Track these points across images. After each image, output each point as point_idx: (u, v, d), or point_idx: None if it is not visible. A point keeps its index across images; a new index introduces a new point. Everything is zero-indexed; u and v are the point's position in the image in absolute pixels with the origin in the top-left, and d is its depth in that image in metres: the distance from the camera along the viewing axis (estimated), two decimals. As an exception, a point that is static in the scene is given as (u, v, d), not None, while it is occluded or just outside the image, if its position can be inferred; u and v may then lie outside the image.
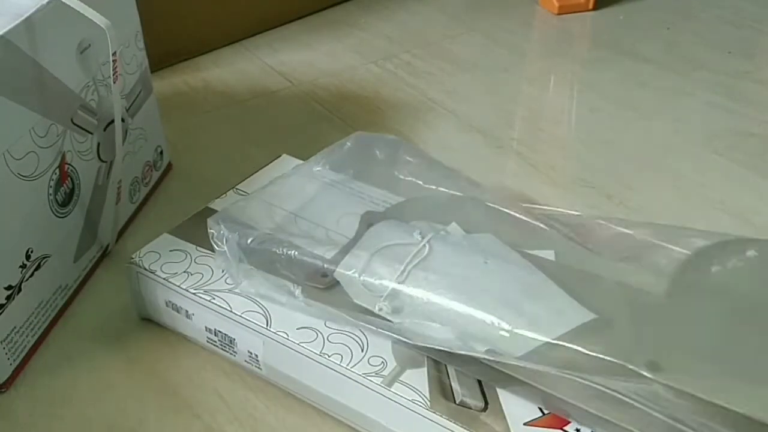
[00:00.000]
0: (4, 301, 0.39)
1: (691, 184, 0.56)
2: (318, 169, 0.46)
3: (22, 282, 0.40)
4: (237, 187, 0.47)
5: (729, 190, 0.55)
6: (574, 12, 0.84)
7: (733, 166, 0.58)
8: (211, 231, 0.40)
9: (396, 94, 0.68)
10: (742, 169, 0.58)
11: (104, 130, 0.46)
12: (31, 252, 0.40)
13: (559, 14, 0.83)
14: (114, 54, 0.41)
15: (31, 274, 0.41)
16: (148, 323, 0.44)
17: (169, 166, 0.57)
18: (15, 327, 0.40)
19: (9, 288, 0.39)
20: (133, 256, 0.42)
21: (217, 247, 0.40)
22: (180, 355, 0.42)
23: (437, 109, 0.66)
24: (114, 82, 0.43)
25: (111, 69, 0.42)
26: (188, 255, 0.42)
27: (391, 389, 0.34)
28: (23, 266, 0.40)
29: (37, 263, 0.41)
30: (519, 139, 0.62)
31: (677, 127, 0.63)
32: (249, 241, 0.39)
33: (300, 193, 0.45)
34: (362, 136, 0.48)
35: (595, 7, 0.84)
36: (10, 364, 0.40)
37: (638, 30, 0.80)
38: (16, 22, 0.36)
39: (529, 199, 0.53)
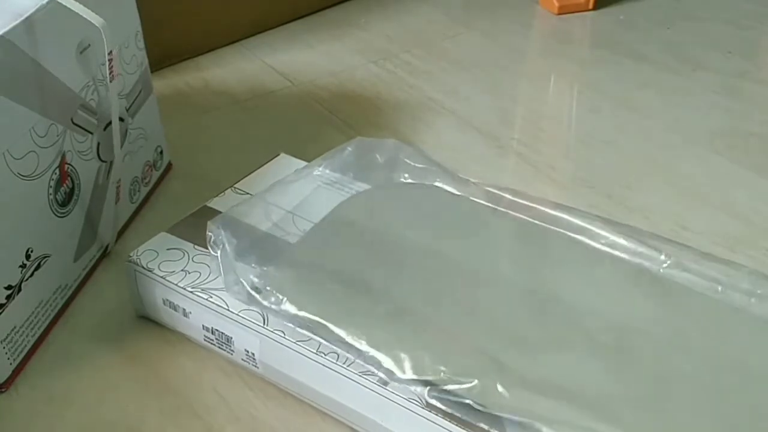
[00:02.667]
0: (4, 301, 0.39)
1: (691, 184, 0.56)
2: (318, 172, 0.47)
3: (22, 282, 0.40)
4: (235, 186, 0.47)
5: (729, 190, 0.55)
6: (574, 12, 0.84)
7: (733, 166, 0.58)
8: (210, 234, 0.40)
9: (396, 94, 0.68)
10: (742, 169, 0.58)
11: (104, 129, 0.46)
12: (31, 252, 0.40)
13: (559, 14, 0.83)
14: (110, 53, 0.41)
15: (31, 274, 0.41)
16: (148, 322, 0.44)
17: (169, 165, 0.57)
18: (15, 327, 0.40)
19: (9, 288, 0.39)
20: (131, 255, 0.42)
21: (212, 252, 0.40)
22: (180, 355, 0.42)
23: (437, 108, 0.66)
24: (110, 81, 0.43)
25: (107, 68, 0.42)
26: (186, 253, 0.42)
27: (387, 388, 0.34)
28: (23, 266, 0.40)
29: (37, 263, 0.41)
30: (519, 139, 0.62)
31: (677, 127, 0.63)
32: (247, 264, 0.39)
33: (299, 195, 0.45)
34: (363, 141, 0.48)
35: (595, 7, 0.84)
36: (10, 364, 0.40)
37: (638, 30, 0.80)
38: (16, 21, 0.36)
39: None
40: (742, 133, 0.62)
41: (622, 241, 0.42)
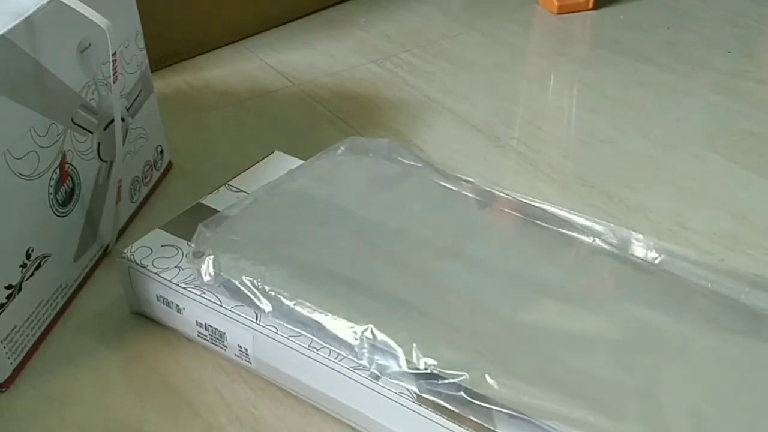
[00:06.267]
0: (5, 301, 0.39)
1: (690, 184, 0.56)
2: (312, 171, 0.47)
3: (22, 281, 0.40)
4: (229, 183, 0.48)
5: (729, 189, 0.56)
6: (574, 12, 0.84)
7: (733, 166, 0.58)
8: (193, 243, 0.41)
9: (396, 94, 0.68)
10: (742, 168, 0.58)
11: (105, 129, 0.46)
12: (32, 251, 0.40)
13: (559, 14, 0.83)
14: (114, 54, 0.42)
15: (32, 274, 0.41)
16: (148, 322, 0.44)
17: (170, 165, 0.57)
18: (15, 326, 0.40)
19: (9, 287, 0.39)
20: (125, 251, 0.42)
21: (193, 256, 0.40)
22: (180, 354, 0.42)
23: (437, 108, 0.66)
24: (114, 82, 0.43)
25: (111, 69, 0.42)
26: (179, 250, 0.42)
27: (379, 383, 0.34)
28: (23, 266, 0.40)
29: (37, 263, 0.41)
30: (519, 139, 0.62)
31: (677, 126, 0.63)
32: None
33: None
34: (356, 140, 0.49)
35: (595, 7, 0.84)
36: (11, 364, 0.40)
37: (638, 30, 0.80)
38: (17, 21, 0.37)
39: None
40: (742, 133, 0.62)
41: (611, 238, 0.42)
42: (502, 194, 0.45)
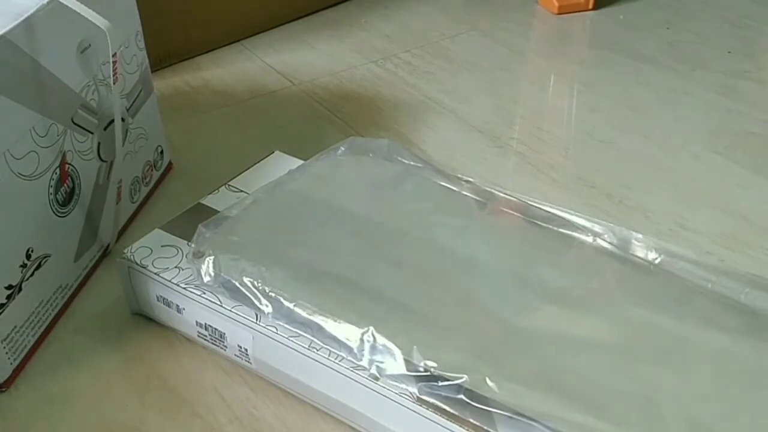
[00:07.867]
0: (5, 301, 0.39)
1: (690, 184, 0.56)
2: (312, 171, 0.47)
3: (22, 281, 0.40)
4: (229, 183, 0.48)
5: (729, 189, 0.56)
6: (574, 12, 0.84)
7: (732, 166, 0.58)
8: (193, 243, 0.41)
9: (396, 94, 0.68)
10: (741, 168, 0.58)
11: (105, 129, 0.46)
12: (32, 251, 0.40)
13: (559, 14, 0.83)
14: (114, 55, 0.42)
15: (32, 274, 0.41)
16: (148, 322, 0.44)
17: (170, 165, 0.57)
18: (15, 326, 0.40)
19: (9, 287, 0.39)
20: (125, 251, 0.42)
21: (193, 256, 0.40)
22: (180, 354, 0.42)
23: (437, 108, 0.66)
24: (114, 83, 0.43)
25: (111, 70, 0.42)
26: (179, 250, 0.42)
27: (379, 383, 0.34)
28: (24, 266, 0.40)
29: (37, 263, 0.41)
30: (519, 139, 0.62)
31: (677, 126, 0.63)
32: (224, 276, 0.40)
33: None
34: (356, 141, 0.49)
35: (595, 7, 0.84)
36: (11, 364, 0.40)
37: (638, 30, 0.80)
38: (17, 21, 0.37)
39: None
40: (741, 133, 0.62)
41: (611, 238, 0.42)
42: (502, 194, 0.45)
